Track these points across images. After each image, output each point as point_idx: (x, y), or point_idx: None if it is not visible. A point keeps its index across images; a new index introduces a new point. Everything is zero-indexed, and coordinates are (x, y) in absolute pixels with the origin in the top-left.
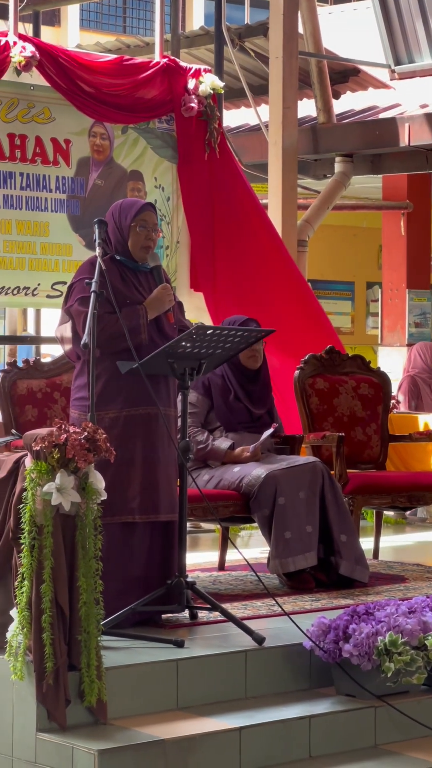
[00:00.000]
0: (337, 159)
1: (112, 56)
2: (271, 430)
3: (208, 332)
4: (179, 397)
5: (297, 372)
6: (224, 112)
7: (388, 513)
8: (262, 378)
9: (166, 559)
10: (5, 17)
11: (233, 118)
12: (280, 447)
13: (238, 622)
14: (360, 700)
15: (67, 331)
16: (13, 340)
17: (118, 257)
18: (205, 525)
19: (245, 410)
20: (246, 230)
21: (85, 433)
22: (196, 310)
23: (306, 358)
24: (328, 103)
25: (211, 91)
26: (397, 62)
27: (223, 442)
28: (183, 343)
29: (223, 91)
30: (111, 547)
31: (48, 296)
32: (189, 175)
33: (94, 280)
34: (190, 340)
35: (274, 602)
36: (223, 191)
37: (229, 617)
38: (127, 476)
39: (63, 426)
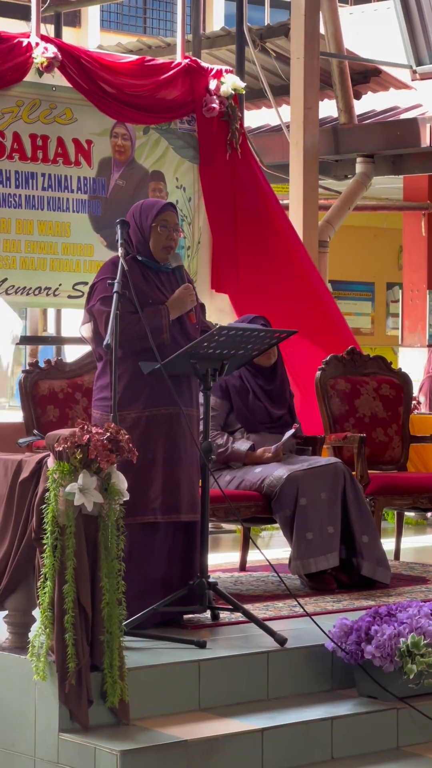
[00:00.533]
0: (358, 160)
1: (133, 57)
2: (292, 431)
3: (230, 333)
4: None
5: (318, 373)
6: (245, 112)
7: (409, 514)
8: (278, 375)
9: (188, 560)
10: (27, 18)
11: (254, 118)
12: (302, 447)
13: (260, 623)
14: (382, 702)
15: (89, 330)
16: (34, 340)
17: (139, 258)
18: (226, 525)
19: (264, 410)
20: (268, 231)
21: (108, 434)
22: (218, 312)
23: (327, 359)
24: (349, 103)
25: (233, 92)
26: (419, 62)
27: (243, 444)
28: (205, 344)
29: (244, 92)
30: (133, 548)
31: (69, 296)
32: (210, 176)
33: (116, 281)
34: (213, 341)
35: (295, 603)
36: (245, 192)
37: (251, 618)
38: (148, 476)
39: (85, 426)
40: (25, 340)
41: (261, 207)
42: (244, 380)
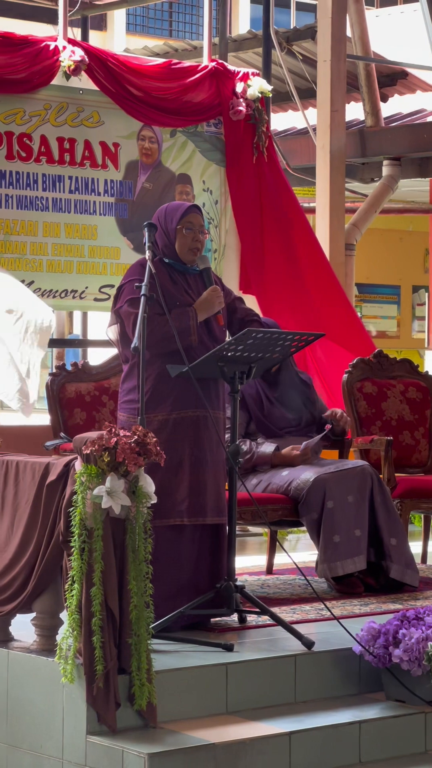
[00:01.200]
0: (385, 162)
1: (160, 60)
2: (325, 431)
3: (258, 336)
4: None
5: (345, 376)
6: (272, 115)
7: None
8: (283, 381)
9: (215, 563)
10: (54, 22)
11: (281, 121)
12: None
13: (288, 626)
14: (410, 706)
15: (115, 333)
16: (61, 343)
17: (166, 260)
18: (252, 529)
19: (282, 416)
20: (293, 233)
21: (136, 437)
22: None
23: (354, 362)
24: (375, 106)
25: (259, 95)
26: None
27: (267, 446)
28: (233, 347)
29: (271, 95)
30: (160, 551)
31: (96, 299)
32: (237, 179)
33: (144, 283)
34: (241, 344)
35: (323, 606)
36: (271, 194)
37: (279, 621)
38: (175, 479)
39: (113, 429)
40: (51, 342)
41: (286, 209)
42: (259, 389)
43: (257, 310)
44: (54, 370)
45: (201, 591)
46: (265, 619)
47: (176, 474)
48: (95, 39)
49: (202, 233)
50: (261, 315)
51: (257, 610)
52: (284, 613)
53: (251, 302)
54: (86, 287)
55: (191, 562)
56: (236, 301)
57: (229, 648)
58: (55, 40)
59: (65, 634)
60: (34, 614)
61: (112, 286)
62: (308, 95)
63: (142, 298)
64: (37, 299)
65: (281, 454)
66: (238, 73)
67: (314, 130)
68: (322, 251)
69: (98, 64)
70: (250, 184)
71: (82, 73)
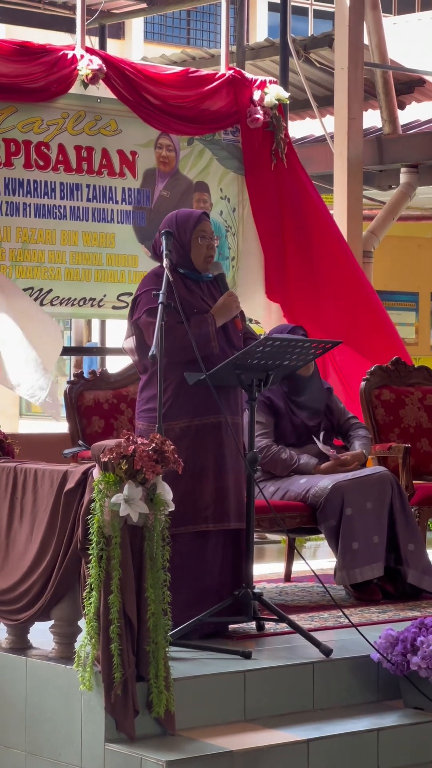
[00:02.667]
0: (403, 170)
1: (177, 68)
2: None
3: (276, 343)
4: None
5: (363, 383)
6: (289, 123)
7: None
8: (312, 387)
9: (237, 569)
10: (72, 31)
11: (298, 129)
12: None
13: (306, 634)
14: (428, 713)
15: (132, 344)
16: (79, 351)
17: (181, 270)
18: (270, 536)
19: (302, 423)
20: (315, 239)
21: (153, 445)
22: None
23: (372, 369)
24: (393, 113)
25: (277, 102)
26: None
27: (310, 459)
28: (251, 354)
29: (288, 102)
30: (187, 558)
31: (114, 307)
32: (257, 186)
33: (161, 292)
34: (259, 351)
35: (341, 614)
36: (291, 201)
37: (297, 629)
38: (200, 485)
39: (131, 437)
40: (69, 350)
41: (308, 216)
42: (285, 397)
43: (281, 317)
44: (72, 378)
45: (224, 597)
46: (283, 626)
47: (200, 480)
48: (113, 47)
49: (213, 240)
50: (286, 322)
51: (275, 617)
52: (302, 620)
53: (275, 309)
54: (104, 295)
55: (216, 569)
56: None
57: (247, 655)
58: (73, 49)
59: (83, 642)
60: (52, 622)
61: (130, 294)
62: (326, 103)
63: (160, 306)
64: (47, 321)
65: (321, 469)
66: (256, 81)
67: (332, 137)
68: (351, 256)
69: (116, 72)
70: (270, 191)
71: (100, 81)
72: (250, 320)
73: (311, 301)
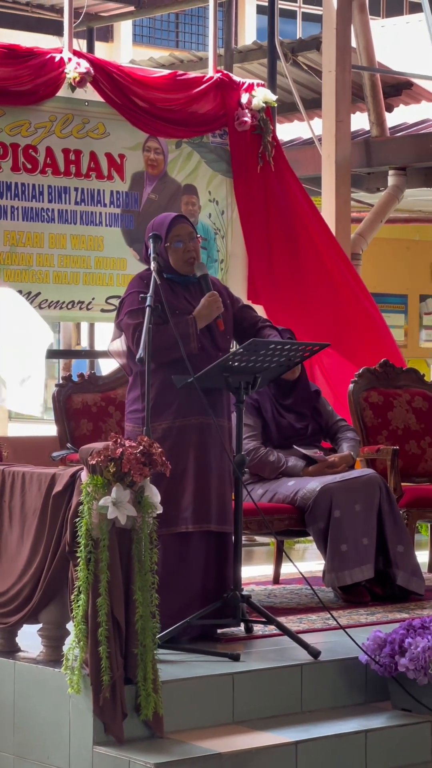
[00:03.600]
0: (391, 172)
1: (165, 71)
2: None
3: (263, 346)
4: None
5: (351, 386)
6: (277, 126)
7: None
8: (298, 390)
9: (222, 573)
10: (60, 34)
11: (286, 131)
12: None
13: (294, 636)
14: (416, 715)
15: (118, 346)
16: (67, 354)
17: (165, 275)
18: (259, 538)
19: (289, 425)
20: (302, 242)
21: (141, 447)
22: None
23: (360, 371)
24: (381, 116)
25: (264, 105)
26: None
27: (298, 461)
28: (238, 357)
29: (276, 105)
30: (168, 560)
31: (102, 310)
32: (244, 189)
33: (149, 294)
34: (246, 354)
35: (329, 616)
36: (279, 204)
37: (285, 631)
38: (180, 486)
39: (118, 440)
40: (58, 354)
41: (295, 219)
42: (272, 400)
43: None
44: (60, 381)
45: (209, 601)
46: (271, 628)
47: (181, 481)
48: (101, 50)
49: (193, 241)
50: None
51: (264, 619)
52: (291, 622)
53: (260, 312)
54: (93, 298)
55: (200, 572)
56: (244, 309)
57: (235, 658)
58: (61, 52)
59: (72, 645)
60: (40, 625)
61: (119, 296)
62: (313, 105)
63: (147, 309)
64: (36, 319)
65: (309, 471)
66: (243, 84)
67: (320, 140)
68: (344, 257)
69: (103, 75)
70: (257, 194)
71: (88, 84)
72: None
73: (297, 305)
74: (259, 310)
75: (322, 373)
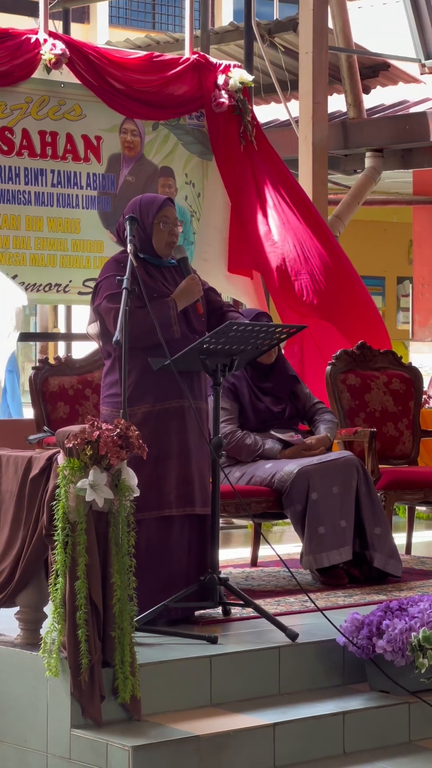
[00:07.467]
0: (368, 154)
1: (141, 53)
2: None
3: (240, 328)
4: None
5: (328, 368)
6: (254, 107)
7: (420, 508)
8: (277, 373)
9: (203, 555)
10: (35, 15)
11: (263, 113)
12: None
13: (272, 618)
14: (394, 696)
15: (96, 329)
16: (44, 336)
17: (141, 255)
18: (237, 521)
19: (267, 409)
20: (296, 215)
21: (118, 430)
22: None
23: (337, 353)
24: (358, 97)
25: (241, 85)
26: (428, 56)
27: (275, 444)
28: (215, 339)
29: (252, 85)
30: (152, 543)
31: (79, 293)
32: (229, 167)
33: (125, 277)
34: (223, 337)
35: (307, 598)
36: (268, 180)
37: (263, 613)
38: (163, 470)
39: (95, 423)
40: (35, 336)
41: (286, 191)
42: (249, 383)
43: (253, 294)
44: (37, 364)
45: (190, 583)
46: (249, 611)
47: (164, 465)
48: (77, 31)
49: (176, 226)
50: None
51: (241, 602)
52: (268, 605)
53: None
54: (70, 281)
55: (182, 554)
56: (209, 292)
57: (213, 640)
58: (36, 33)
59: (50, 628)
60: (18, 608)
61: (96, 279)
62: (290, 87)
63: (124, 292)
64: (10, 284)
65: (286, 454)
66: (220, 65)
67: (297, 122)
68: (332, 235)
69: (79, 57)
70: (243, 170)
71: (64, 66)
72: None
73: (294, 270)
74: (239, 286)
75: (307, 353)
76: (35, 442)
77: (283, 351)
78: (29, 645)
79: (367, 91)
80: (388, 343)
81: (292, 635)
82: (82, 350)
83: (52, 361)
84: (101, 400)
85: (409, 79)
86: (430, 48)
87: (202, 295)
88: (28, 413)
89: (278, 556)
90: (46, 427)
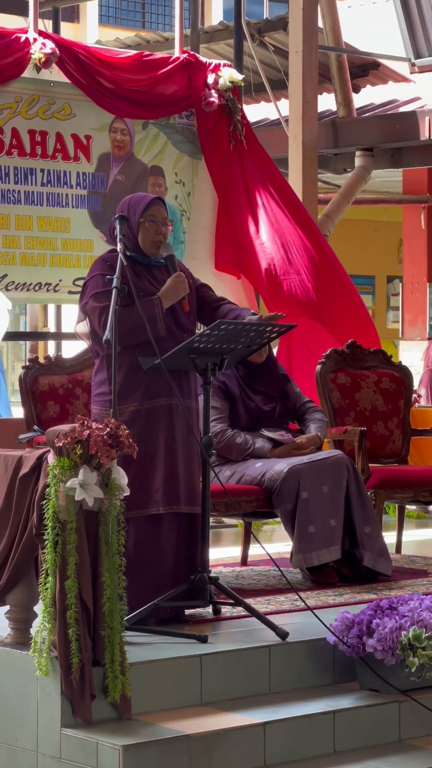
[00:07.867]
0: (358, 153)
1: (131, 52)
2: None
3: (230, 327)
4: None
5: (319, 367)
6: (244, 106)
7: (411, 507)
8: (268, 373)
9: (192, 555)
10: (25, 14)
11: (253, 112)
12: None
13: (262, 617)
14: (384, 695)
15: (84, 328)
16: (34, 336)
17: (129, 253)
18: (227, 520)
19: (257, 408)
20: (285, 214)
21: (108, 429)
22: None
23: (327, 352)
24: (348, 97)
25: (231, 84)
26: (417, 55)
27: (265, 443)
28: (205, 338)
29: (242, 84)
30: (141, 543)
31: (69, 292)
32: (218, 166)
33: (115, 276)
34: (213, 335)
35: (297, 597)
36: (258, 180)
37: (253, 612)
38: (150, 469)
39: (85, 422)
40: (24, 335)
41: (275, 191)
42: (240, 382)
43: (240, 293)
44: (27, 363)
45: (180, 582)
46: (239, 610)
47: (151, 464)
48: (67, 31)
49: (165, 226)
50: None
51: (231, 601)
52: (258, 604)
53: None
54: (60, 280)
55: (171, 554)
56: (202, 288)
57: (203, 639)
58: (26, 32)
59: (40, 627)
60: (7, 607)
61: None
62: (280, 86)
63: (114, 291)
64: None
65: (276, 453)
66: (210, 64)
67: (286, 121)
68: (321, 235)
69: (69, 56)
70: (232, 172)
71: (53, 65)
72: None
73: (289, 277)
74: (227, 286)
75: (297, 353)
76: (25, 441)
77: (275, 350)
78: (19, 644)
79: (356, 90)
80: (377, 342)
81: (283, 634)
82: (72, 349)
83: (42, 360)
84: (91, 399)
85: (399, 78)
86: (419, 47)
87: (189, 293)
88: (17, 412)
89: (268, 555)
90: (36, 426)
